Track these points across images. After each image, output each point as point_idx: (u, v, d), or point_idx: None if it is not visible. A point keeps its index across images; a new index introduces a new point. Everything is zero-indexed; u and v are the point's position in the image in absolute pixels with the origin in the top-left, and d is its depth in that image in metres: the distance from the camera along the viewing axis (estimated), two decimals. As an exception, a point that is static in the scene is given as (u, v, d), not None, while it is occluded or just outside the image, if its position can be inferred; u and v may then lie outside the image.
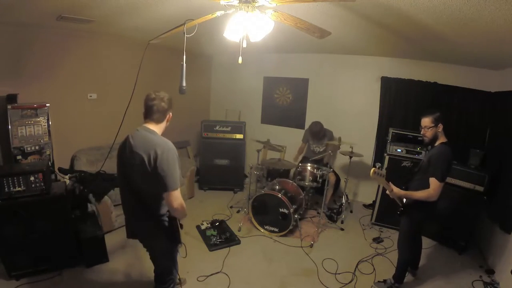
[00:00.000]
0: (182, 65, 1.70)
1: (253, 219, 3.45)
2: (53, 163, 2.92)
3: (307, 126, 4.42)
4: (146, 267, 2.57)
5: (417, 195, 2.17)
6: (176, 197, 1.58)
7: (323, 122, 4.04)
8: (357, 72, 4.35)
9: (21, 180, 2.24)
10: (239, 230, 3.39)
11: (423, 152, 3.33)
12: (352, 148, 3.84)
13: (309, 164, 3.64)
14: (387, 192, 2.30)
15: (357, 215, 4.04)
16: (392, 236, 3.42)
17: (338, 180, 4.15)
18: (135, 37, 3.51)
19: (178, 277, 2.02)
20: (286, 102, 5.02)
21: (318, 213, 3.81)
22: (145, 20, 2.68)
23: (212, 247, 3.03)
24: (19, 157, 2.71)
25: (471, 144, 3.46)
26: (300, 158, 4.29)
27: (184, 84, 1.70)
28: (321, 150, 4.10)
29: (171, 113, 1.71)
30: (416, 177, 2.33)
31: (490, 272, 2.83)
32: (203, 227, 3.36)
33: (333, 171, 4.12)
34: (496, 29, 1.99)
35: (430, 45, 2.93)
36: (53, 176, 2.78)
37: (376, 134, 4.27)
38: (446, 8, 1.78)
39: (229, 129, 4.53)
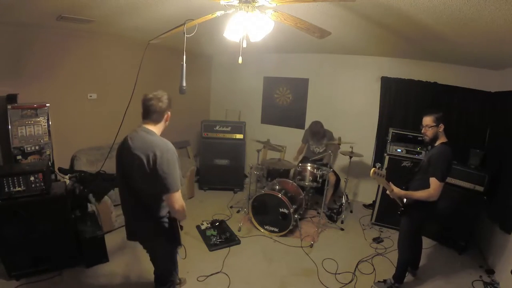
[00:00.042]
0: (182, 65, 1.70)
1: (253, 219, 3.45)
2: (53, 163, 2.92)
3: (307, 126, 4.42)
4: (146, 267, 2.57)
5: (417, 195, 2.17)
6: (178, 198, 1.57)
7: (323, 122, 4.04)
8: (357, 72, 4.35)
9: (21, 180, 2.24)
10: (239, 230, 3.39)
11: (423, 152, 3.33)
12: (352, 148, 3.84)
13: (309, 164, 3.64)
14: (387, 192, 2.30)
15: (357, 215, 4.04)
16: (392, 236, 3.42)
17: (338, 180, 4.15)
18: (135, 37, 3.51)
19: (178, 278, 2.02)
20: (286, 102, 5.02)
21: (318, 213, 3.81)
22: (145, 20, 2.68)
23: (212, 247, 3.03)
24: (19, 157, 2.71)
25: (471, 144, 3.46)
26: (300, 158, 4.29)
27: (184, 84, 1.70)
28: (321, 151, 4.10)
29: (169, 113, 1.69)
30: (417, 177, 2.33)
31: (490, 272, 2.83)
32: (203, 227, 3.36)
33: (333, 171, 4.12)
34: (496, 29, 1.99)
35: (430, 45, 2.92)
36: (53, 176, 2.78)
37: (376, 134, 4.27)
38: (446, 8, 1.78)
39: (229, 129, 4.53)
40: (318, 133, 4.02)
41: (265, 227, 3.39)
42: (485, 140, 3.60)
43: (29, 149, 2.75)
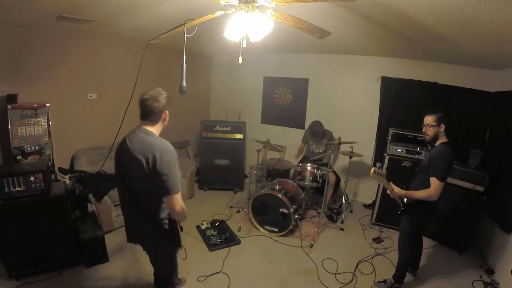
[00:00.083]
0: (182, 65, 1.69)
1: (253, 219, 3.45)
2: (53, 163, 2.92)
3: (307, 126, 4.42)
4: (146, 267, 2.55)
5: (417, 194, 2.17)
6: (178, 200, 1.55)
7: (323, 122, 4.04)
8: (357, 72, 4.34)
9: (21, 180, 2.23)
10: (239, 230, 3.39)
11: (423, 152, 3.33)
12: (352, 148, 3.84)
13: (309, 164, 3.64)
14: (388, 192, 2.30)
15: (357, 215, 4.04)
16: (392, 236, 3.42)
17: (338, 180, 4.15)
18: (135, 37, 3.51)
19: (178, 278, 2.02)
20: (286, 102, 5.02)
21: (318, 213, 3.81)
22: (145, 20, 2.68)
23: (212, 247, 3.03)
24: (19, 157, 2.71)
25: (471, 144, 3.46)
26: (300, 158, 4.29)
27: (184, 84, 1.70)
28: (321, 151, 4.10)
29: (167, 112, 1.65)
30: (417, 177, 2.33)
31: (490, 272, 2.83)
32: (203, 227, 3.36)
33: (333, 171, 4.12)
34: (496, 29, 1.99)
35: (430, 45, 2.92)
36: (53, 176, 2.78)
37: (376, 134, 4.27)
38: (446, 8, 1.78)
39: (229, 129, 4.53)
40: (318, 133, 4.02)
41: (265, 227, 3.39)
42: (485, 140, 3.60)
43: (29, 149, 2.75)
